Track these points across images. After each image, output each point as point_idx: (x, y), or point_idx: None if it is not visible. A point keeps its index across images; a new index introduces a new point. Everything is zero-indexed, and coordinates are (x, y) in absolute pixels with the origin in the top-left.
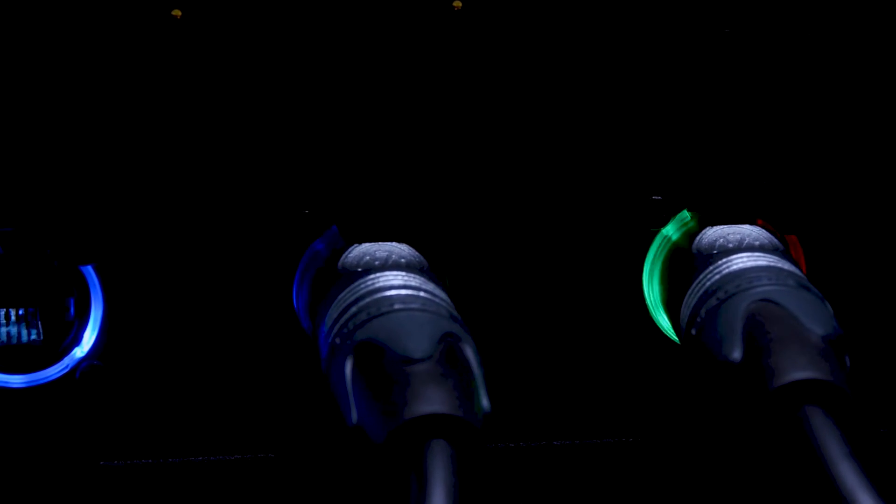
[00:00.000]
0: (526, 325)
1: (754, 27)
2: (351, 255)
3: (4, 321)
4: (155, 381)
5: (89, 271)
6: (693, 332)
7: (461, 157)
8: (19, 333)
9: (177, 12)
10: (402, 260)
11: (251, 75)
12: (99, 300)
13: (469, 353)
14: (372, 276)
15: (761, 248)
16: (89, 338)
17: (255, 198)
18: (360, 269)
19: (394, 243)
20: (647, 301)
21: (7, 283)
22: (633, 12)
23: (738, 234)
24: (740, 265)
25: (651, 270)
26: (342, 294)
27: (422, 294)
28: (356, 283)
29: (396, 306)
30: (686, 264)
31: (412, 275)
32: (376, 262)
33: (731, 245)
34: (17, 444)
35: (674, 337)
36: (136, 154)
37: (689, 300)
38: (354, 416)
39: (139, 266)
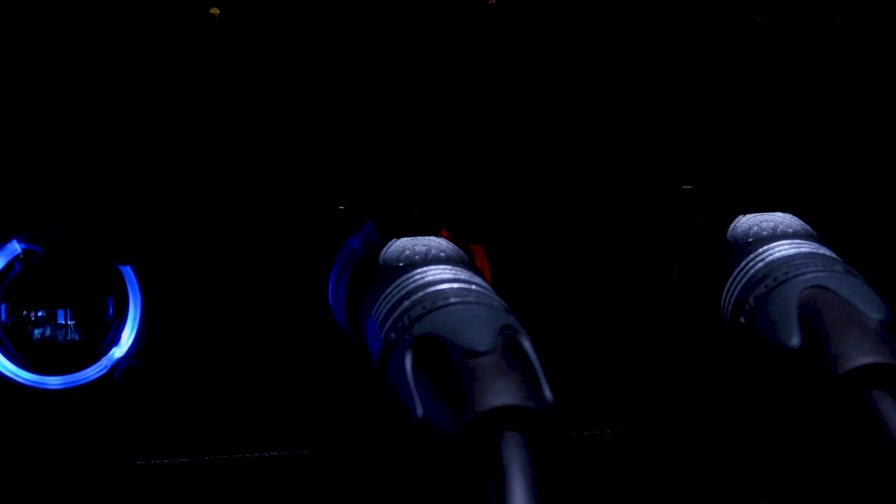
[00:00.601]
0: (556, 315)
1: (782, 16)
2: (391, 250)
3: (42, 321)
4: (190, 380)
5: (127, 271)
6: (742, 320)
7: (492, 151)
8: (56, 333)
9: (215, 10)
10: (443, 254)
11: (281, 73)
12: (137, 300)
13: (527, 345)
14: (419, 270)
15: (795, 235)
16: (127, 338)
17: (289, 195)
18: (401, 264)
19: (431, 237)
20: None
21: (45, 283)
22: (661, 3)
23: (772, 221)
24: (783, 252)
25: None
26: (389, 289)
27: (473, 287)
28: (403, 278)
29: (452, 300)
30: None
31: (458, 268)
32: (416, 257)
33: (765, 233)
34: (51, 445)
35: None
36: (170, 154)
37: (732, 288)
38: (420, 410)
39: (175, 265)
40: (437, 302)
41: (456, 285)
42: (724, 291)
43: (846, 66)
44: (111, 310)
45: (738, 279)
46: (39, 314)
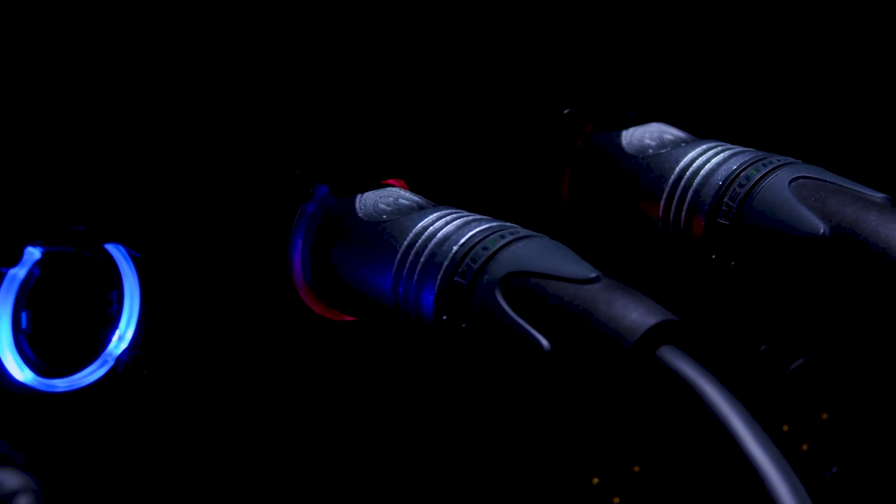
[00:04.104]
0: None
1: None
2: (365, 205)
3: (50, 322)
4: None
5: (126, 263)
6: (723, 221)
7: (384, 91)
8: (63, 333)
9: None
10: (407, 200)
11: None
12: (136, 291)
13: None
14: (435, 215)
15: (682, 140)
16: (129, 330)
17: (242, 168)
18: (385, 217)
19: (387, 188)
20: None
21: (54, 284)
22: None
23: (653, 131)
24: (722, 154)
25: None
26: (408, 240)
27: (507, 224)
28: (421, 227)
29: (508, 237)
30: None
31: (454, 208)
32: (389, 207)
33: (654, 143)
34: (68, 447)
35: None
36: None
37: (678, 197)
38: (546, 342)
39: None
40: (497, 242)
41: (494, 223)
42: (664, 202)
43: None
44: (115, 304)
45: (680, 188)
46: (47, 316)
